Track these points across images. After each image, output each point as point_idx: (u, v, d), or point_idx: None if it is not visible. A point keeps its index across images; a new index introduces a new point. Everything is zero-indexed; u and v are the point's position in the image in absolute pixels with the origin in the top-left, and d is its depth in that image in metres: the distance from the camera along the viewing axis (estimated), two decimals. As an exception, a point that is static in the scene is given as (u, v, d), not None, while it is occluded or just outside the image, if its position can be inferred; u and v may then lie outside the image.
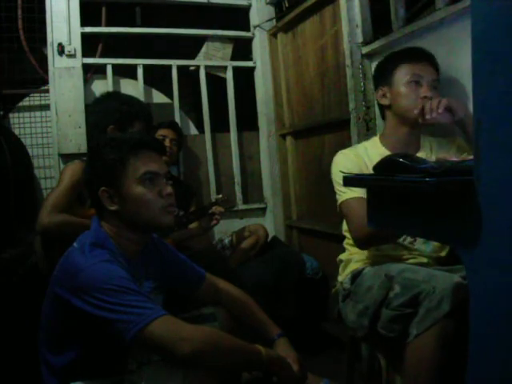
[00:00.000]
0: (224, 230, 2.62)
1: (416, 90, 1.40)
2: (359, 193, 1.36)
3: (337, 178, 1.45)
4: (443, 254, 1.47)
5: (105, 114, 1.77)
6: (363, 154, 1.50)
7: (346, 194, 1.40)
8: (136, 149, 1.14)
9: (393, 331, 1.22)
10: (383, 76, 1.49)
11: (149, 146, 1.18)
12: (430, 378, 1.10)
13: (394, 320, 1.21)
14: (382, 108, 1.54)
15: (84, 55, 2.51)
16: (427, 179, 0.73)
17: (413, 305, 1.17)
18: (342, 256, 1.58)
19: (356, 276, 1.43)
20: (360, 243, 1.39)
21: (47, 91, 2.47)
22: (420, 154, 1.46)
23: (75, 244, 1.11)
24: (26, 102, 2.55)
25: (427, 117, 1.34)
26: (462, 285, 1.12)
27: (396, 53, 1.51)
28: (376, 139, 1.55)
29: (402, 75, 1.42)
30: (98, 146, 1.19)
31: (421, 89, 1.40)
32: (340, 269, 1.57)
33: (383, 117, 1.56)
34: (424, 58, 1.45)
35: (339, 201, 1.45)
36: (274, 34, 2.83)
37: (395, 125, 1.48)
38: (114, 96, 1.89)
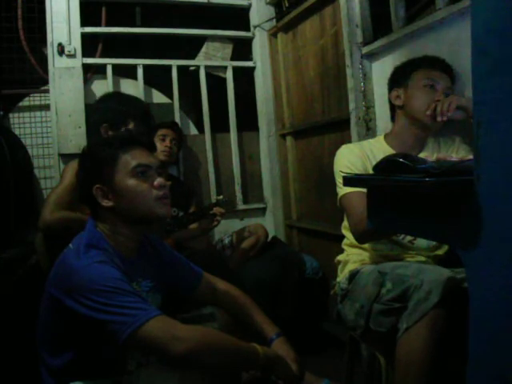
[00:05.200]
0: (224, 230, 2.62)
1: (430, 94, 1.43)
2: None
3: (339, 170, 1.45)
4: (441, 252, 1.48)
5: (99, 113, 1.78)
6: (367, 149, 1.51)
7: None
8: (126, 145, 1.17)
9: (382, 326, 1.23)
10: (400, 78, 1.52)
11: (138, 142, 1.20)
12: (421, 369, 1.10)
13: (382, 314, 1.23)
14: (394, 109, 1.56)
15: (84, 55, 2.51)
16: (427, 179, 0.73)
17: (402, 300, 1.18)
18: (340, 257, 1.58)
19: (353, 276, 1.44)
20: (359, 237, 1.39)
21: (47, 91, 2.47)
22: (422, 155, 1.47)
23: (71, 245, 1.11)
24: (25, 102, 2.55)
25: (438, 118, 1.37)
26: (451, 276, 1.13)
27: (415, 58, 1.54)
28: (381, 137, 1.57)
29: (419, 78, 1.46)
30: (89, 146, 1.25)
31: (435, 93, 1.43)
32: (338, 270, 1.57)
33: (393, 118, 1.58)
34: (442, 66, 1.48)
35: (340, 194, 1.45)
36: (274, 34, 2.83)
37: (405, 125, 1.50)
38: (113, 96, 1.89)
